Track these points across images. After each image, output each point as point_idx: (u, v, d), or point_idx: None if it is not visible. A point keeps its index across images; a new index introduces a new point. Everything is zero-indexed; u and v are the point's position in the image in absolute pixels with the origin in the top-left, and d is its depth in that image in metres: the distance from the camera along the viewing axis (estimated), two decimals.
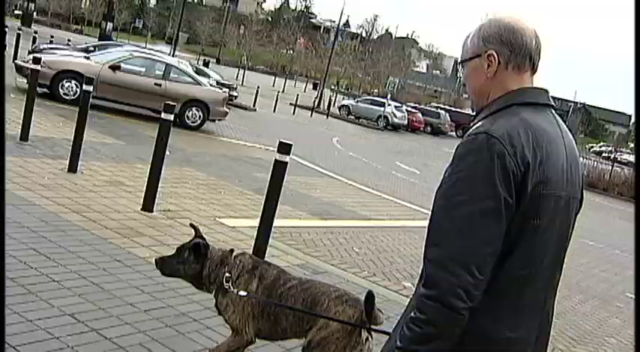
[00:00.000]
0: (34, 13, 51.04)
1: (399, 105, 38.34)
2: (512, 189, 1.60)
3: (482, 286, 1.60)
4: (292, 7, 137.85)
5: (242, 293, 2.90)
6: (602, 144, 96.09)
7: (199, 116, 14.41)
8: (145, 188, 6.62)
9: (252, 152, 13.48)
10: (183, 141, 12.34)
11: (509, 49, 1.73)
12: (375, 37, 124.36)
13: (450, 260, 1.58)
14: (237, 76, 47.31)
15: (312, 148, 17.33)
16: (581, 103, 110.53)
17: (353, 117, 37.38)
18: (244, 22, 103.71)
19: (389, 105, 35.79)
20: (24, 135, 8.40)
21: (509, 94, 1.74)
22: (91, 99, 13.33)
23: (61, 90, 13.14)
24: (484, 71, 1.77)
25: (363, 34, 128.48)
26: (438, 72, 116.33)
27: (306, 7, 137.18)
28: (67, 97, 13.17)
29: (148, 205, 6.47)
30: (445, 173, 1.68)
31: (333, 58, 66.91)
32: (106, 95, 13.59)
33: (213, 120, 14.81)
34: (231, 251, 3.14)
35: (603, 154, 77.51)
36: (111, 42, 21.36)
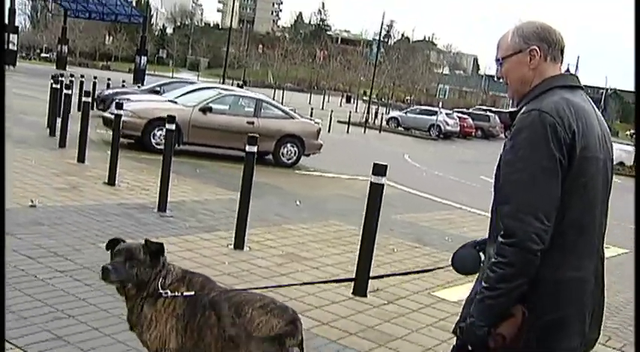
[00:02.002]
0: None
1: (450, 112, 37.23)
2: (564, 152, 1.94)
3: (550, 231, 1.93)
4: (306, 20, 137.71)
5: (186, 293, 2.74)
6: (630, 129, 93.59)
7: (294, 151, 13.36)
8: (330, 261, 5.51)
9: (359, 187, 12.34)
10: (291, 183, 11.30)
11: (547, 43, 2.10)
12: (393, 42, 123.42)
13: (521, 212, 1.91)
14: (273, 97, 46.46)
15: (398, 171, 16.23)
16: (612, 89, 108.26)
17: (402, 128, 36.41)
18: (263, 41, 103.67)
19: (440, 113, 34.76)
20: (162, 205, 7.36)
21: (547, 80, 2.09)
22: (182, 146, 12.68)
23: (152, 139, 12.18)
24: (527, 63, 2.11)
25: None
26: (461, 72, 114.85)
27: (321, 19, 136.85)
28: (160, 147, 12.13)
29: (361, 289, 5.33)
30: (505, 147, 2.03)
31: (360, 68, 66.30)
32: (198, 140, 12.63)
33: (308, 155, 13.74)
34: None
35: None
36: (174, 80, 20.48)
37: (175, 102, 13.00)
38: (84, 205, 7.01)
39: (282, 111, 13.67)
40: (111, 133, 12.84)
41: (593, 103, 2.15)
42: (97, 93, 18.32)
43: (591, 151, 2.00)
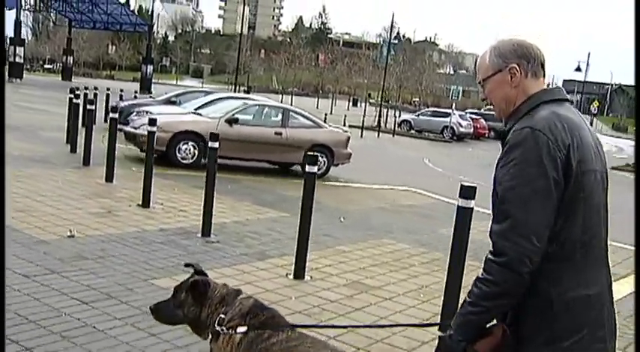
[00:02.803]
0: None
1: (463, 113, 36.67)
2: (559, 170, 1.88)
3: (541, 253, 1.86)
4: (307, 24, 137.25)
5: (241, 329, 2.48)
6: None
7: (324, 162, 12.77)
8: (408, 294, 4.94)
9: (395, 197, 11.82)
10: (326, 196, 10.73)
11: (526, 60, 2.05)
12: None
13: (513, 232, 1.86)
14: (281, 102, 45.90)
15: (423, 177, 15.71)
16: (616, 84, 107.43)
17: (414, 131, 35.90)
18: (265, 45, 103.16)
19: (453, 114, 34.24)
20: (206, 229, 6.82)
21: (534, 96, 2.04)
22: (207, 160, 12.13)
23: (178, 154, 11.65)
24: (508, 82, 2.06)
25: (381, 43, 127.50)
26: (464, 71, 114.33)
27: (322, 23, 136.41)
28: (185, 161, 11.68)
29: None
30: (498, 164, 1.96)
31: (367, 71, 65.62)
32: (225, 153, 11.97)
33: (337, 165, 13.18)
34: (238, 291, 2.66)
35: None
36: (190, 89, 19.94)
37: (200, 114, 12.47)
38: (124, 233, 6.47)
39: (310, 120, 13.12)
40: (133, 148, 12.45)
41: (581, 115, 2.11)
42: (110, 104, 17.74)
43: (588, 165, 1.96)
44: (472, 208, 4.69)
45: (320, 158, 12.62)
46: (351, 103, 62.54)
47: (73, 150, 11.69)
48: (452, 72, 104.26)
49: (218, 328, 2.51)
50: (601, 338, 1.99)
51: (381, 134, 32.63)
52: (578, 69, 51.93)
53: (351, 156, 13.33)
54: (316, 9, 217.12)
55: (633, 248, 8.82)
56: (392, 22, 38.90)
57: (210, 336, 2.56)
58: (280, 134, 12.34)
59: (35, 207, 7.07)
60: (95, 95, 17.33)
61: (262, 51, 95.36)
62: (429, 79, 62.31)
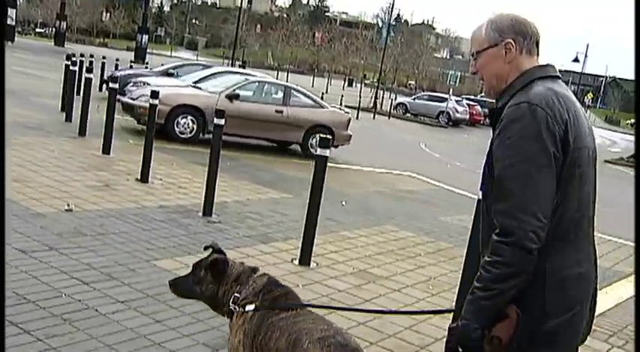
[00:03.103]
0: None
1: (459, 99, 36.47)
2: (558, 144, 1.85)
3: (547, 228, 1.83)
4: (304, 1, 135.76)
5: (249, 307, 2.54)
6: None
7: None
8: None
9: (394, 182, 11.64)
10: (326, 179, 10.51)
11: (522, 36, 2.01)
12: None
13: (518, 209, 1.81)
14: (276, 79, 45.41)
15: (420, 162, 15.52)
16: (611, 77, 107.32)
17: (410, 114, 35.68)
18: (261, 21, 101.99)
19: (450, 100, 34.02)
20: (207, 209, 6.61)
21: (527, 72, 2.00)
22: (207, 135, 11.88)
23: (176, 128, 11.38)
24: (502, 57, 2.01)
25: (380, 24, 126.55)
26: (460, 56, 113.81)
27: (320, 0, 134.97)
28: (183, 136, 11.41)
29: None
30: (494, 141, 1.91)
31: (364, 51, 65.09)
32: (224, 129, 11.79)
33: (337, 146, 12.95)
34: (254, 269, 2.69)
35: None
36: (188, 62, 19.57)
37: (199, 88, 12.17)
38: (123, 209, 6.25)
39: (311, 99, 12.86)
40: (130, 119, 12.16)
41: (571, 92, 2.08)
42: (106, 74, 17.36)
43: (582, 141, 1.94)
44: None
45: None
46: (346, 83, 62.09)
47: (69, 119, 11.38)
48: (448, 56, 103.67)
49: (232, 306, 2.58)
50: (588, 314, 2.02)
51: (376, 116, 32.40)
52: (576, 60, 51.75)
53: (351, 138, 13.12)
54: None
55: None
56: (392, 3, 38.35)
57: (227, 315, 2.64)
58: (281, 112, 12.09)
59: (31, 178, 6.82)
60: (91, 63, 16.98)
61: (258, 26, 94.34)
62: (425, 62, 62.02)
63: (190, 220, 6.32)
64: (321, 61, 68.12)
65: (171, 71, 16.89)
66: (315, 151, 12.26)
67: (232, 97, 11.67)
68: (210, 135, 11.70)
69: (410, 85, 63.84)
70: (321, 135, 5.80)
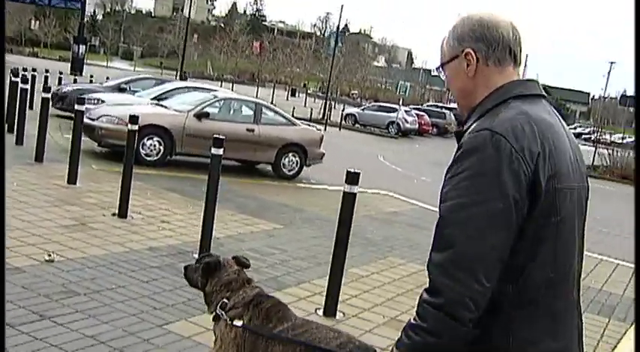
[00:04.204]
0: None
1: (408, 109, 36.50)
2: (522, 187, 1.47)
3: (489, 294, 1.46)
4: (241, 11, 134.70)
5: (237, 322, 2.59)
6: (576, 125, 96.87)
7: (296, 162, 11.91)
8: None
9: (373, 202, 11.09)
10: (306, 203, 9.90)
11: (485, 44, 1.62)
12: (327, 35, 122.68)
13: (456, 266, 1.44)
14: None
15: (384, 177, 15.04)
16: (542, 85, 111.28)
17: (359, 125, 35.45)
18: (198, 30, 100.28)
19: (400, 110, 33.96)
20: (205, 250, 5.84)
21: (501, 89, 1.62)
22: (173, 156, 11.03)
23: (142, 150, 10.47)
24: (464, 71, 1.66)
25: (317, 33, 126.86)
26: (397, 65, 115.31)
27: (257, 9, 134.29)
28: (149, 158, 10.51)
29: None
30: (447, 174, 1.55)
31: (307, 61, 64.61)
32: (192, 150, 10.99)
33: (309, 165, 12.32)
34: (248, 280, 2.81)
35: (584, 136, 77.60)
36: (142, 76, 18.47)
37: (164, 107, 11.30)
38: (111, 255, 5.42)
39: (282, 116, 12.19)
40: (88, 141, 11.15)
41: (558, 115, 1.69)
42: (57, 89, 16.12)
43: (563, 180, 1.56)
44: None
45: (292, 158, 11.83)
46: (289, 93, 61.51)
47: (19, 141, 10.30)
48: (385, 65, 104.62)
49: (218, 311, 2.65)
50: None
51: (327, 127, 31.97)
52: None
53: (324, 156, 12.52)
54: None
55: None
56: (340, 13, 38.07)
57: (212, 317, 2.74)
58: (252, 131, 11.36)
59: None
60: (34, 77, 15.78)
61: (196, 36, 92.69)
62: (366, 71, 62.25)
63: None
64: (264, 70, 67.26)
65: (123, 86, 15.88)
66: (289, 172, 11.81)
67: (201, 116, 10.88)
68: (179, 157, 11.06)
69: (353, 94, 63.84)
70: (350, 170, 5.09)
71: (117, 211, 6.83)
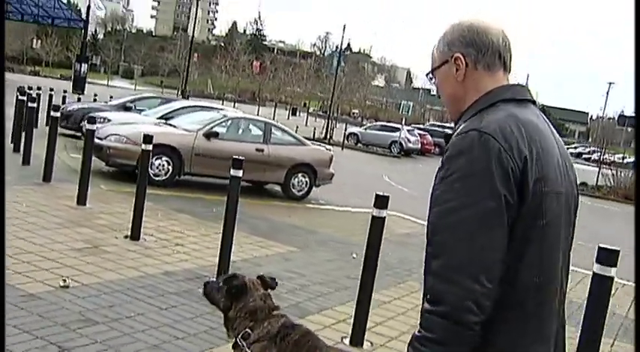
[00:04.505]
0: None
1: (411, 128, 36.45)
2: (512, 186, 1.45)
3: (492, 295, 1.42)
4: (241, 30, 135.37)
5: None
6: (576, 144, 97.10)
7: (306, 182, 11.74)
8: None
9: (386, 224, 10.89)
10: (318, 224, 9.71)
11: (475, 49, 1.63)
12: (328, 54, 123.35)
13: (454, 270, 1.41)
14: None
15: (396, 200, 14.83)
16: (540, 105, 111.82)
17: (361, 145, 35.36)
18: (198, 49, 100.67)
19: (403, 130, 33.89)
20: (223, 268, 5.65)
21: (490, 93, 1.62)
22: (182, 176, 10.86)
23: (150, 170, 10.27)
24: (454, 76, 1.66)
25: (317, 53, 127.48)
26: (397, 85, 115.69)
27: (257, 29, 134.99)
28: (158, 178, 10.33)
29: None
30: (436, 177, 1.52)
31: (293, 80, 64.72)
32: (201, 170, 10.85)
33: (318, 185, 12.15)
34: (274, 308, 2.63)
35: (584, 156, 77.62)
36: (147, 95, 18.38)
37: (173, 126, 11.16)
38: (126, 280, 5.22)
39: (292, 136, 12.06)
40: (97, 161, 10.98)
41: (548, 121, 1.69)
42: (62, 108, 15.95)
43: (551, 184, 1.52)
44: (612, 278, 3.78)
45: (302, 178, 11.66)
46: (290, 112, 61.56)
47: (26, 161, 10.13)
48: (384, 85, 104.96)
49: (240, 341, 2.49)
50: None
51: (330, 147, 31.86)
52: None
53: (333, 176, 12.35)
54: (250, 15, 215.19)
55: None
56: (343, 33, 38.19)
57: (232, 344, 2.57)
58: (262, 151, 11.20)
59: (6, 244, 5.69)
60: (38, 96, 15.66)
61: (196, 55, 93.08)
62: (367, 90, 62.39)
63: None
64: (264, 90, 67.42)
65: (129, 105, 15.75)
66: (298, 192, 11.63)
67: (210, 135, 10.73)
68: (189, 177, 10.89)
69: (354, 113, 63.86)
70: (379, 193, 4.91)
71: (129, 233, 6.64)
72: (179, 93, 58.64)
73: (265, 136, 11.46)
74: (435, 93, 1.79)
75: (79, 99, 19.94)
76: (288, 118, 55.32)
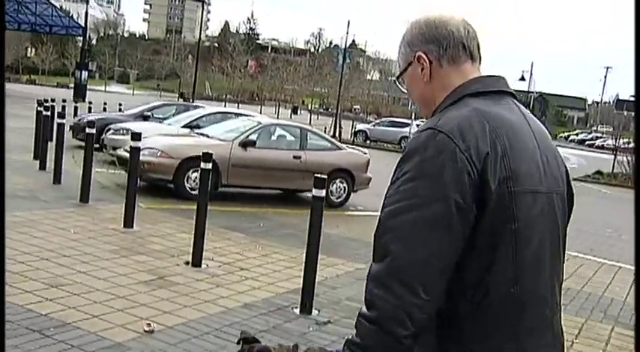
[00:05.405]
0: None
1: (419, 123, 35.99)
2: (466, 190, 1.34)
3: (430, 308, 1.33)
4: (234, 30, 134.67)
5: None
6: (577, 131, 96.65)
7: (344, 188, 11.27)
8: None
9: None
10: (365, 234, 9.22)
11: (435, 44, 1.53)
12: (321, 50, 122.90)
13: (390, 276, 1.32)
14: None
15: None
16: (537, 92, 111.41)
17: (369, 142, 34.91)
18: (193, 51, 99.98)
19: (412, 124, 33.46)
20: (306, 303, 5.17)
21: (459, 88, 1.51)
22: (219, 189, 10.36)
23: (186, 183, 9.81)
24: (420, 76, 1.56)
25: (312, 49, 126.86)
26: (392, 78, 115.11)
27: (250, 28, 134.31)
28: (194, 192, 9.76)
29: None
30: (391, 178, 1.43)
31: (293, 77, 64.06)
32: (238, 181, 10.36)
33: (356, 191, 11.67)
34: (296, 347, 2.07)
35: (587, 142, 77.04)
36: (163, 102, 17.87)
37: (207, 136, 10.66)
38: (209, 318, 4.73)
39: (328, 140, 11.61)
40: (122, 173, 10.48)
41: (528, 113, 1.52)
42: (77, 120, 15.42)
43: (523, 182, 1.38)
44: None
45: (340, 184, 11.19)
46: (291, 111, 61.07)
47: (57, 180, 9.61)
48: (378, 79, 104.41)
49: None
50: None
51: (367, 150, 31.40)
52: (522, 78, 52.58)
53: (370, 181, 11.87)
54: (243, 14, 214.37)
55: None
56: (347, 30, 37.64)
57: None
58: (299, 158, 10.72)
59: (67, 278, 5.20)
60: (52, 108, 15.12)
61: (190, 56, 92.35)
62: (370, 86, 61.88)
63: (295, 325, 4.87)
64: (264, 89, 66.83)
65: (146, 114, 15.24)
66: (337, 200, 11.14)
67: (247, 144, 10.23)
68: (226, 189, 10.39)
69: (355, 109, 63.34)
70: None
71: (190, 259, 6.16)
72: (180, 96, 58.12)
73: (301, 142, 10.98)
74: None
75: (89, 109, 19.40)
76: (290, 117, 54.78)
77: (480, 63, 1.57)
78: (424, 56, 1.53)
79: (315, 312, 5.20)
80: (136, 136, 7.38)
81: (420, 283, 1.31)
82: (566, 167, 1.58)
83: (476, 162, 1.36)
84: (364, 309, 1.35)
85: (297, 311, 5.18)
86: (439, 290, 1.33)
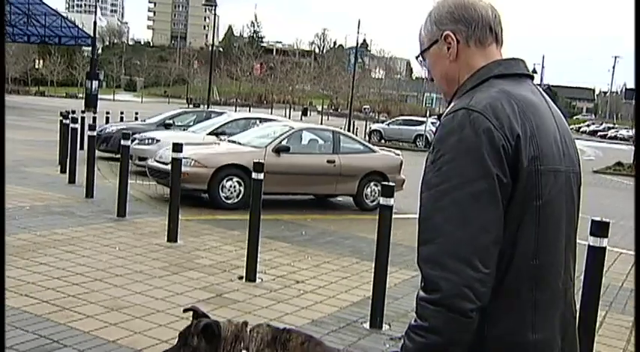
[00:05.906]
0: None
1: (434, 121, 35.71)
2: (504, 165, 1.38)
3: (490, 281, 1.35)
4: (237, 33, 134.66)
5: None
6: (588, 122, 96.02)
7: (378, 191, 10.98)
8: None
9: None
10: (407, 238, 8.96)
11: (464, 24, 1.55)
12: (326, 51, 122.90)
13: (446, 256, 1.34)
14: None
15: None
16: (545, 85, 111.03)
17: (384, 141, 34.67)
18: (198, 56, 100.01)
19: (427, 122, 33.17)
20: (377, 318, 4.92)
21: (482, 69, 1.53)
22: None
23: (221, 192, 9.58)
24: (446, 55, 1.57)
25: (316, 51, 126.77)
26: (398, 76, 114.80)
27: (255, 31, 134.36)
28: (229, 201, 9.63)
29: None
30: (427, 161, 1.45)
31: (303, 79, 63.88)
32: (273, 188, 10.03)
33: None
34: (245, 323, 2.20)
35: (599, 133, 76.35)
36: (183, 110, 17.71)
37: (239, 143, 10.44)
38: None
39: (361, 143, 11.38)
40: (161, 186, 10.27)
41: (547, 97, 1.57)
42: (99, 130, 15.23)
43: (547, 162, 1.44)
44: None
45: (374, 187, 10.93)
46: (302, 113, 60.92)
47: (90, 194, 9.41)
48: (383, 77, 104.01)
49: None
50: None
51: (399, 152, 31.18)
52: (534, 71, 52.22)
53: (404, 183, 11.60)
54: (247, 18, 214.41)
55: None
56: (358, 29, 37.42)
57: None
58: (333, 162, 10.47)
59: (126, 302, 4.96)
60: (74, 119, 14.94)
61: (196, 62, 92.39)
62: (381, 85, 61.64)
63: (369, 341, 4.63)
64: (274, 92, 66.66)
65: (168, 122, 15.04)
66: (371, 203, 10.88)
67: (280, 150, 10.00)
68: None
69: (365, 109, 63.06)
70: (596, 219, 4.12)
71: (244, 274, 5.92)
72: (188, 102, 58.02)
73: (335, 146, 10.73)
74: (429, 80, 1.67)
75: (107, 120, 19.22)
76: (301, 119, 54.58)
77: (502, 46, 1.59)
78: (452, 35, 1.54)
79: (385, 327, 4.96)
80: (178, 147, 7.14)
81: (476, 257, 1.32)
82: (577, 151, 1.61)
83: (510, 139, 1.38)
84: (423, 293, 1.34)
85: (367, 325, 4.94)
86: (495, 262, 1.35)
